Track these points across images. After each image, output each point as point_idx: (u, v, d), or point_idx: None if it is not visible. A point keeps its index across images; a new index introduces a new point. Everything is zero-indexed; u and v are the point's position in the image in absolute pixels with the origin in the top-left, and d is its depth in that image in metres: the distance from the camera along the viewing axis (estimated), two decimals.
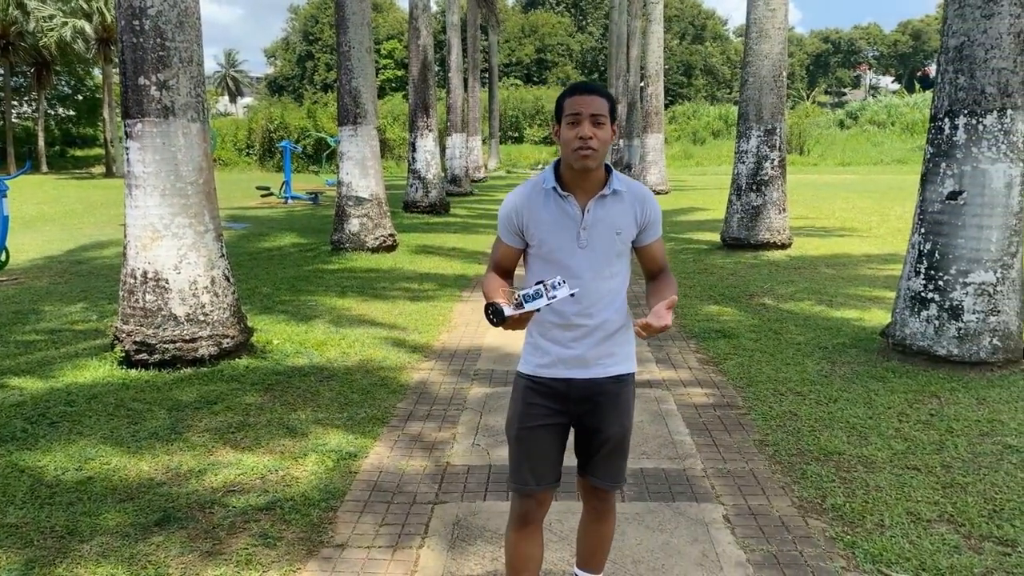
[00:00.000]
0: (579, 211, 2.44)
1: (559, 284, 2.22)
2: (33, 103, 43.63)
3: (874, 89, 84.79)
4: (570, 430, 2.61)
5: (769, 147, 11.13)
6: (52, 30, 34.36)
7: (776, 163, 11.18)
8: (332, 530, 3.52)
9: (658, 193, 22.53)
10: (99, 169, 39.77)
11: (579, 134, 2.32)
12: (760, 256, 11.04)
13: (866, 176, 30.12)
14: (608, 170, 2.47)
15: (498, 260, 2.61)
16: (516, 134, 54.31)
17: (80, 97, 46.57)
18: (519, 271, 2.64)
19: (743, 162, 11.36)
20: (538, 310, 2.26)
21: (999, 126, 5.46)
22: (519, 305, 2.23)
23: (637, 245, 2.55)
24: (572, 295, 2.25)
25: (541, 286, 2.21)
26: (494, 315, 2.24)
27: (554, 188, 2.45)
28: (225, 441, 4.49)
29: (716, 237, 12.44)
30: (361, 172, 11.62)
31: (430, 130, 17.47)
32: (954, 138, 5.62)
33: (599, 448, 2.59)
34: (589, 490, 2.69)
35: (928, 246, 5.80)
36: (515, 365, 2.66)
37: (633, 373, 2.62)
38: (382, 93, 52.96)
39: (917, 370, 5.67)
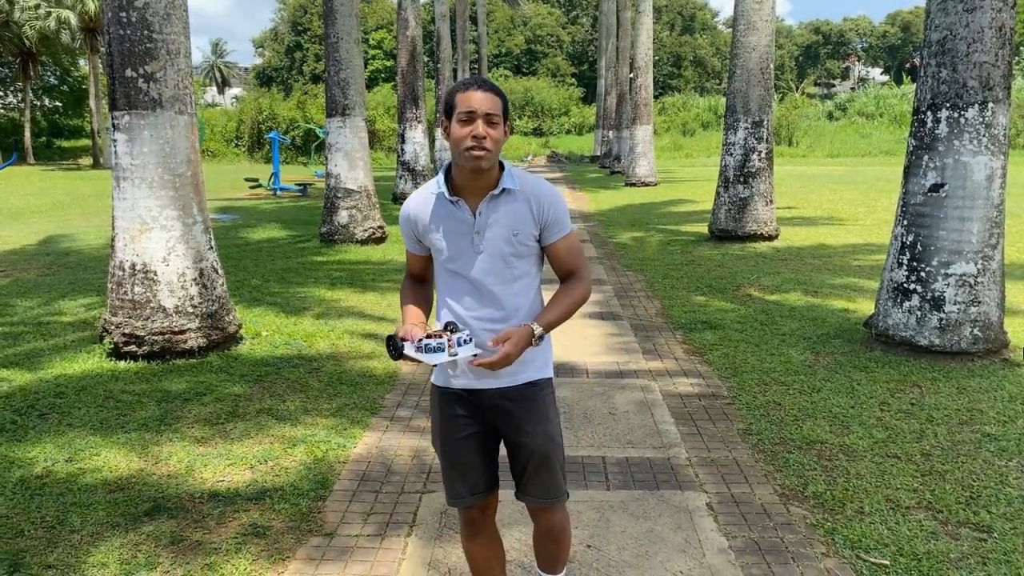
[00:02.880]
0: (471, 215, 2.34)
1: (464, 341, 2.17)
2: (19, 94, 43.27)
3: (863, 80, 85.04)
4: (498, 438, 2.53)
5: (756, 139, 11.19)
6: (37, 19, 34.06)
7: (763, 155, 11.24)
8: (321, 519, 3.57)
9: (647, 185, 22.57)
10: (86, 160, 39.52)
11: (472, 132, 2.22)
12: (747, 247, 11.11)
13: (854, 167, 30.25)
14: (502, 168, 2.37)
15: (410, 268, 2.57)
16: None
17: (66, 87, 46.22)
18: None
19: (731, 154, 11.42)
20: (434, 365, 2.18)
21: (980, 119, 5.52)
22: (420, 350, 2.16)
23: (543, 244, 2.42)
24: (474, 356, 2.21)
25: (445, 340, 2.16)
26: (392, 349, 2.19)
27: (443, 193, 2.36)
28: (214, 432, 4.52)
29: (704, 229, 12.50)
30: (350, 164, 11.62)
31: (419, 121, 17.46)
32: (936, 131, 5.69)
33: (525, 463, 2.48)
34: (529, 509, 2.61)
35: (911, 238, 5.87)
36: None
37: (549, 378, 2.51)
38: (371, 84, 52.74)
39: (899, 360, 5.75)
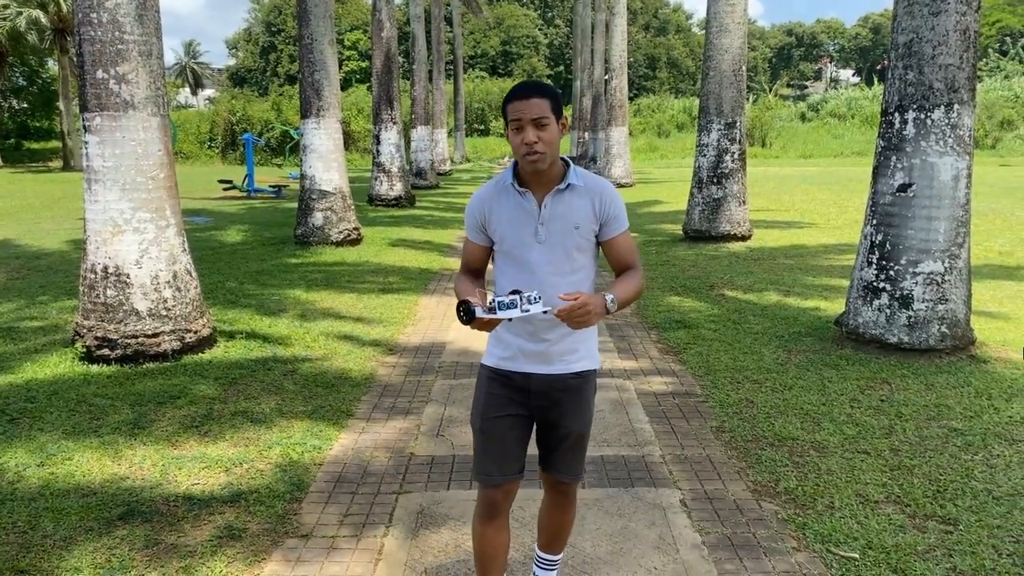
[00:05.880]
0: (536, 206, 2.48)
1: (535, 299, 2.25)
2: None
3: (835, 82, 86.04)
4: (533, 422, 2.64)
5: (729, 140, 11.31)
6: (5, 20, 33.51)
7: (736, 156, 11.36)
8: (297, 521, 3.57)
9: (622, 186, 22.68)
10: (56, 163, 38.92)
11: (524, 140, 2.36)
12: (721, 248, 11.22)
13: (826, 168, 30.60)
14: (567, 164, 2.50)
15: (467, 260, 2.65)
16: (482, 127, 54.10)
17: (35, 89, 45.49)
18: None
19: (704, 155, 11.53)
20: (509, 320, 2.28)
21: (946, 120, 5.63)
22: (492, 310, 2.26)
23: (601, 240, 2.55)
24: (545, 312, 2.28)
25: (517, 296, 2.24)
26: (465, 313, 2.26)
27: (512, 184, 2.49)
28: (189, 435, 4.50)
29: (679, 229, 12.60)
30: (324, 165, 11.57)
31: (394, 123, 17.42)
32: (904, 132, 5.79)
33: (559, 443, 2.62)
34: (551, 482, 2.74)
35: (879, 237, 5.97)
36: (479, 358, 2.72)
37: (595, 369, 2.64)
38: (346, 85, 52.50)
39: (869, 357, 5.85)
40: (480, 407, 2.60)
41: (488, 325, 2.32)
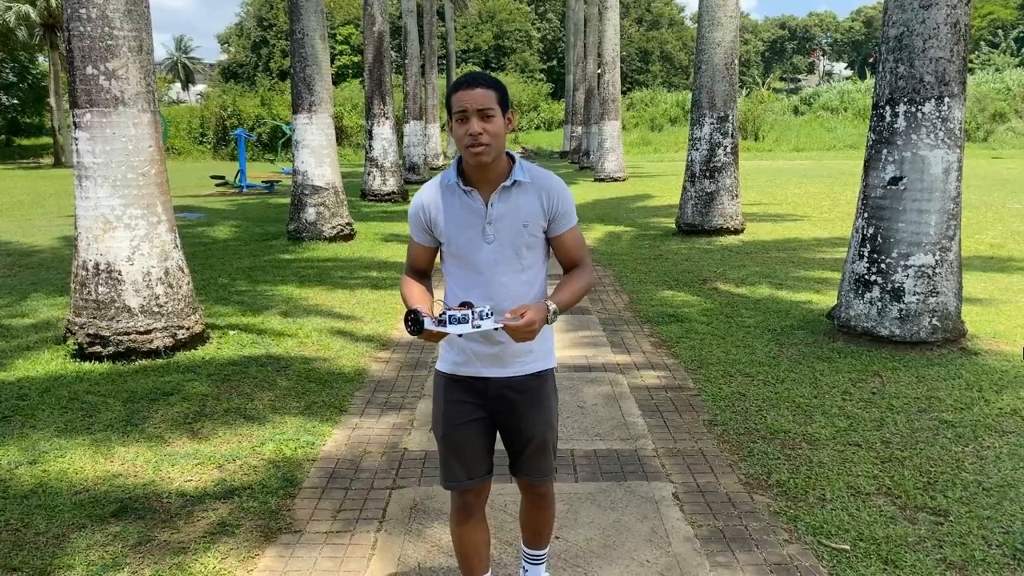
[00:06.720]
0: (483, 205, 2.40)
1: (486, 315, 2.20)
2: None
3: (828, 75, 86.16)
4: (497, 425, 2.60)
5: (722, 134, 11.32)
6: None
7: (729, 150, 11.37)
8: (290, 517, 3.57)
9: (616, 180, 22.70)
10: (47, 159, 38.77)
11: (468, 131, 2.28)
12: (714, 241, 11.24)
13: (819, 161, 30.65)
14: (512, 160, 2.43)
15: (412, 261, 2.58)
16: None
17: (25, 85, 45.27)
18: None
19: (696, 149, 11.54)
20: (460, 335, 2.22)
21: (937, 114, 5.65)
22: (442, 323, 2.20)
23: (549, 236, 2.48)
24: (496, 329, 2.24)
25: (469, 312, 2.19)
26: (413, 324, 2.21)
27: (457, 183, 2.41)
28: (182, 432, 4.50)
29: (672, 223, 12.62)
30: (317, 160, 11.55)
31: (387, 117, 17.39)
32: (895, 125, 5.80)
33: (524, 447, 2.58)
34: (523, 485, 2.72)
35: (871, 230, 5.99)
36: None
37: (552, 368, 2.60)
38: (338, 79, 52.32)
39: (861, 350, 5.87)
40: (441, 415, 2.55)
41: (436, 337, 2.26)
